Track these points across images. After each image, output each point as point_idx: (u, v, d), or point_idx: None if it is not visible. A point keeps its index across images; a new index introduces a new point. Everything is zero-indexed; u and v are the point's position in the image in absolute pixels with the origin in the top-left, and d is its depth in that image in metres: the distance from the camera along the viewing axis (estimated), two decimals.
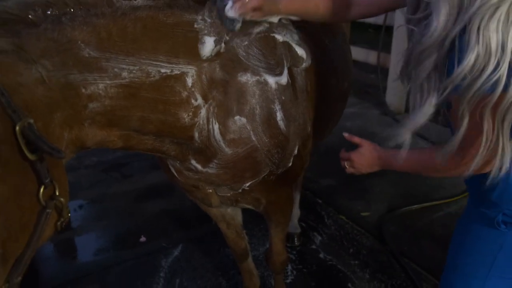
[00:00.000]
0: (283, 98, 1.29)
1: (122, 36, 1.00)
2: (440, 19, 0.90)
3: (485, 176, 0.99)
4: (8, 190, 0.78)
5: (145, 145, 1.15)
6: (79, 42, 0.93)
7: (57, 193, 0.88)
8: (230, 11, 1.17)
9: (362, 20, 4.73)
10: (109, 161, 3.44)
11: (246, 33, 1.23)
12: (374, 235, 2.51)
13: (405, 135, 1.03)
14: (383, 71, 4.51)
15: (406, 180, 3.09)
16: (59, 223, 0.93)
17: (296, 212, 2.53)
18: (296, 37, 1.38)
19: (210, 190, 1.40)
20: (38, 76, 0.86)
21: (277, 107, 1.29)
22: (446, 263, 1.30)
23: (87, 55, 0.94)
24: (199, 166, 1.27)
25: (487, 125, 0.90)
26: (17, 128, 0.78)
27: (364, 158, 1.27)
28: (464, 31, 0.86)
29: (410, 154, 1.13)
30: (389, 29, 4.24)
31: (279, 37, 1.32)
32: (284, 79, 1.30)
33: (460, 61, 0.86)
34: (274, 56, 1.28)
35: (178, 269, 2.35)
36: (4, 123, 0.77)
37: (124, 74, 1.00)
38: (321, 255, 2.41)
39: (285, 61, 1.32)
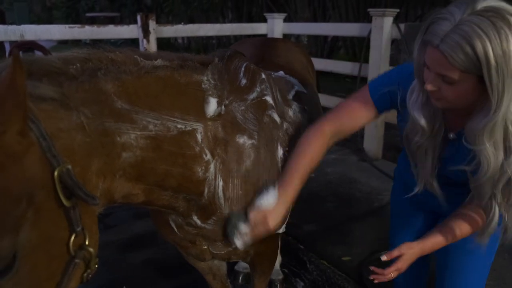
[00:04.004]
0: None
1: (146, 92, 1.07)
2: (489, 157, 1.02)
3: None
4: (39, 237, 0.76)
5: (162, 201, 1.19)
6: (112, 95, 0.98)
7: (86, 243, 0.87)
8: (238, 242, 1.26)
9: (340, 71, 5.01)
10: None
11: (243, 99, 1.35)
12: (355, 280, 2.55)
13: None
14: None
15: (386, 224, 3.15)
16: (85, 274, 0.89)
17: (278, 258, 2.57)
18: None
19: (205, 247, 1.46)
20: (78, 122, 0.88)
21: None
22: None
23: (119, 107, 0.99)
24: (198, 222, 1.33)
25: None
26: (56, 173, 0.77)
27: (410, 261, 1.32)
28: None
29: (448, 232, 1.30)
30: (364, 80, 4.46)
31: (269, 99, 1.45)
32: None
33: None
34: (266, 117, 1.41)
35: None
36: (43, 167, 0.76)
37: (151, 127, 1.06)
38: None
39: None
